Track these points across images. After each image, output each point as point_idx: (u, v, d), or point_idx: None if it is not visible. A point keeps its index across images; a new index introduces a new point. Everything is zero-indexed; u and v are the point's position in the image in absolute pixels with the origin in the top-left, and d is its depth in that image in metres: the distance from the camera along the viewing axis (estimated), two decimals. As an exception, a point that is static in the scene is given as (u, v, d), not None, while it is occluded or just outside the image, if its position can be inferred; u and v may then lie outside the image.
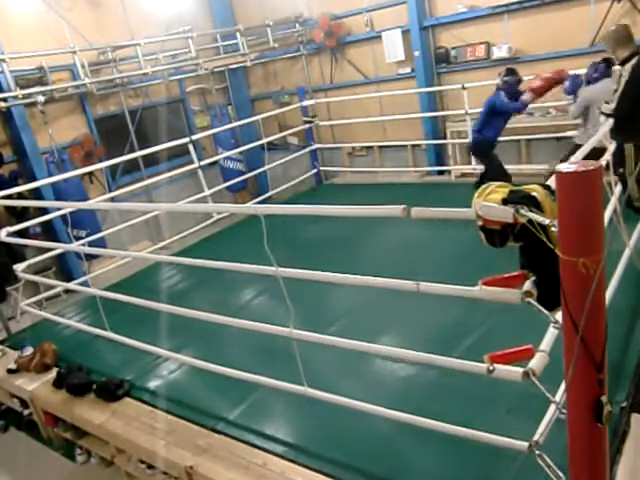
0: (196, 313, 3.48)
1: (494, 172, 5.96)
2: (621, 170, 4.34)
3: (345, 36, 8.77)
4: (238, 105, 9.98)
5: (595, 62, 5.34)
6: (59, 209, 5.73)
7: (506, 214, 1.92)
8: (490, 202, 1.98)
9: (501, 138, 7.12)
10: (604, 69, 5.23)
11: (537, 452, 2.24)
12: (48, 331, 5.09)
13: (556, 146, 6.87)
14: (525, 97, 5.79)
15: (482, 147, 6.20)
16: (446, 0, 7.74)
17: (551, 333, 2.29)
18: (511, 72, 5.91)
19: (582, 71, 5.49)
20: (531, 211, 1.88)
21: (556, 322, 2.03)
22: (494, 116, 6.01)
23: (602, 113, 4.44)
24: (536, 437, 2.27)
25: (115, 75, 7.74)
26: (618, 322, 3.36)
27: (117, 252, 5.51)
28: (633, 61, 4.17)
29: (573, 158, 2.57)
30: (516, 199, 1.93)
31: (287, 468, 2.91)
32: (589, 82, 5.31)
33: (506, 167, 6.31)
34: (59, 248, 5.68)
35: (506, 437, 2.38)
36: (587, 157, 3.68)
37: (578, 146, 5.00)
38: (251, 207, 3.59)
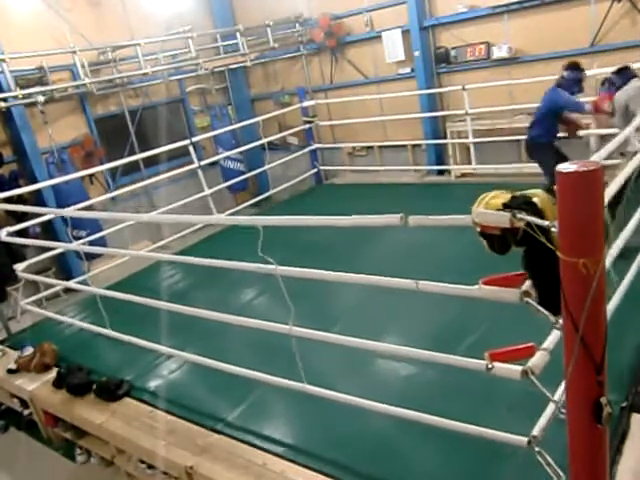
0: (196, 311, 3.49)
1: (547, 176, 5.29)
2: None
3: (345, 36, 8.77)
4: (238, 105, 9.98)
5: (615, 72, 5.07)
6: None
7: (503, 219, 1.92)
8: (490, 208, 1.98)
9: (501, 138, 7.16)
10: (629, 75, 4.99)
11: (537, 449, 2.24)
12: (48, 331, 5.10)
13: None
14: (587, 106, 5.20)
15: (529, 148, 5.65)
16: (446, 0, 7.74)
17: (555, 333, 2.29)
18: (573, 66, 5.28)
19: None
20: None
21: (556, 322, 2.03)
22: (549, 115, 5.40)
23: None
24: (535, 432, 2.26)
25: (115, 75, 7.74)
26: (618, 322, 3.36)
27: (117, 251, 5.51)
28: None
29: None
30: (515, 204, 1.94)
31: (287, 468, 2.91)
32: (618, 88, 4.99)
33: (506, 167, 6.27)
34: (59, 248, 5.68)
35: (505, 433, 2.38)
36: None
37: None
38: (250, 219, 3.59)
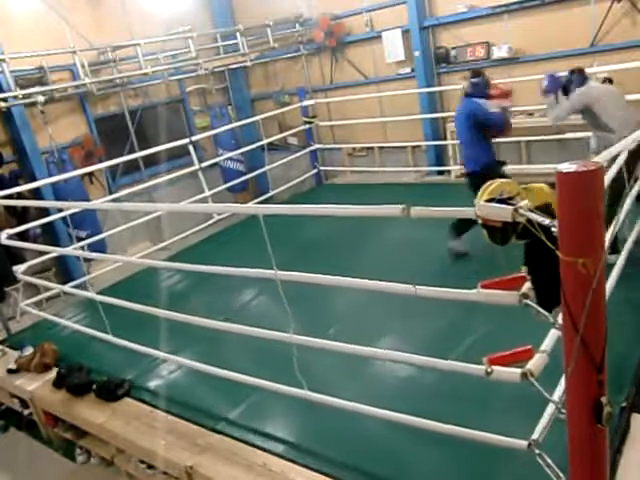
0: (195, 319, 3.47)
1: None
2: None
3: (345, 36, 8.77)
4: (238, 105, 9.98)
5: (571, 72, 4.88)
6: (60, 210, 5.74)
7: (505, 213, 1.92)
8: (491, 195, 2.00)
9: (501, 138, 7.14)
10: (581, 79, 4.81)
11: (537, 451, 2.24)
12: (48, 331, 5.09)
13: (556, 146, 6.87)
14: (496, 109, 4.87)
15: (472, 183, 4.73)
16: (446, 0, 7.74)
17: (551, 334, 2.29)
18: (478, 73, 4.97)
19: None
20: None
21: (555, 323, 2.03)
22: (477, 130, 4.84)
23: None
24: (535, 436, 2.27)
25: (115, 75, 7.73)
26: (618, 322, 3.36)
27: (114, 257, 5.51)
28: None
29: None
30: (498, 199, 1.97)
31: (287, 468, 2.91)
32: (566, 87, 4.78)
33: (506, 167, 6.28)
34: (57, 252, 5.66)
35: (505, 437, 2.38)
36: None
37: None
38: (251, 207, 3.59)
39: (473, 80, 4.83)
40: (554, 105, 4.83)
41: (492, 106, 4.84)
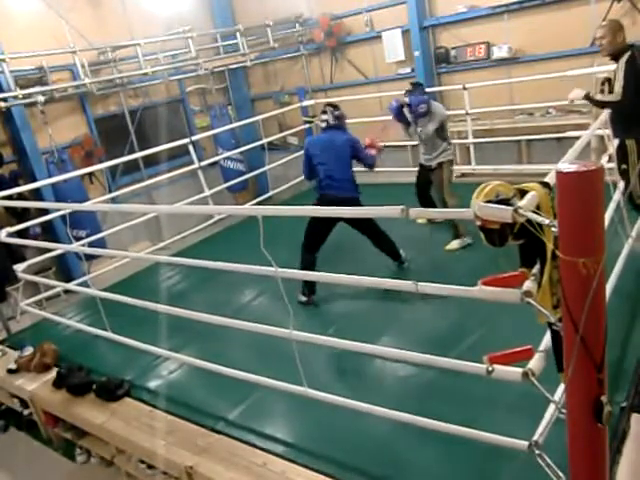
0: (196, 315, 3.48)
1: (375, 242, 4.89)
2: (624, 167, 4.33)
3: (345, 36, 8.77)
4: (238, 105, 9.98)
5: (408, 90, 5.34)
6: (59, 209, 5.74)
7: (504, 214, 1.92)
8: (488, 196, 2.00)
9: (501, 138, 7.16)
10: (423, 90, 5.31)
11: (537, 452, 2.24)
12: (48, 331, 5.09)
13: (556, 146, 6.87)
14: (373, 153, 5.05)
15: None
16: (446, 0, 7.74)
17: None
18: (337, 106, 4.97)
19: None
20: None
21: (555, 322, 2.03)
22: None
23: (598, 103, 4.40)
24: (536, 437, 2.27)
25: (115, 75, 7.73)
26: (618, 322, 3.36)
27: (116, 252, 5.50)
28: (626, 55, 4.18)
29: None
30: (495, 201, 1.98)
31: (287, 468, 2.91)
32: (426, 106, 5.15)
33: (506, 167, 6.27)
34: (58, 249, 5.68)
35: (506, 437, 2.38)
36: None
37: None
38: (250, 208, 3.59)
39: (337, 113, 4.90)
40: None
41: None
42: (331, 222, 4.72)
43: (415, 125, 5.38)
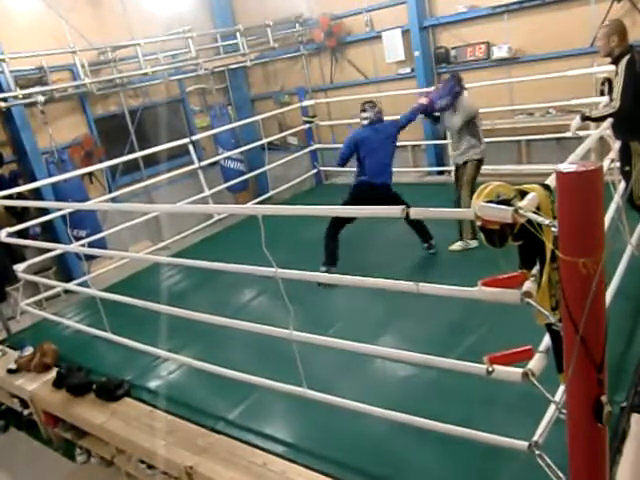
0: (196, 315, 3.48)
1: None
2: (627, 168, 4.32)
3: (345, 36, 8.77)
4: (238, 105, 9.98)
5: (445, 79, 5.41)
6: (59, 209, 5.74)
7: (505, 214, 1.92)
8: (488, 197, 2.00)
9: (501, 138, 7.15)
10: (456, 82, 5.23)
11: (537, 452, 2.24)
12: (48, 331, 5.09)
13: (556, 146, 6.87)
14: (422, 102, 5.44)
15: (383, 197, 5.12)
16: (446, 0, 7.74)
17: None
18: (374, 103, 5.44)
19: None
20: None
21: (555, 323, 2.03)
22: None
23: (596, 120, 4.37)
24: (536, 437, 2.27)
25: (115, 75, 7.73)
26: (618, 322, 3.36)
27: (116, 253, 5.50)
28: (626, 58, 4.13)
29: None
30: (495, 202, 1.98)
31: (287, 468, 2.91)
32: (452, 99, 5.19)
33: (506, 167, 6.28)
34: (58, 249, 5.67)
35: (506, 437, 2.38)
36: None
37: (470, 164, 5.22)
38: (250, 207, 3.59)
39: (377, 109, 5.39)
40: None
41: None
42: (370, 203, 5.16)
43: (442, 119, 5.42)
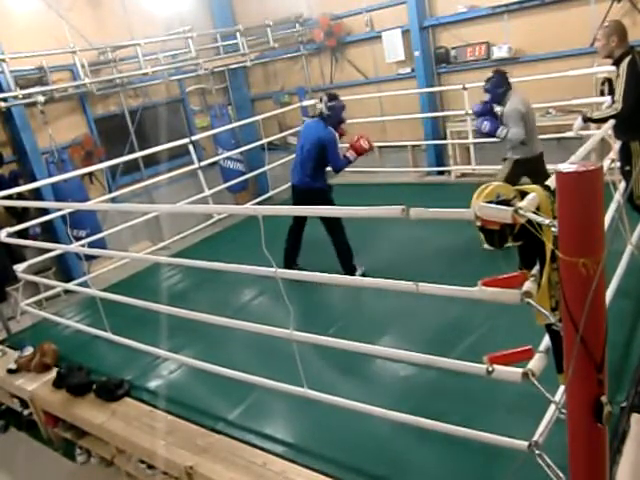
0: (196, 315, 3.48)
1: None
2: (627, 168, 4.32)
3: (345, 36, 8.77)
4: (238, 105, 9.98)
5: (489, 77, 5.09)
6: (59, 209, 5.74)
7: (505, 214, 1.92)
8: (488, 197, 2.00)
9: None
10: (501, 80, 4.98)
11: (537, 452, 2.24)
12: (48, 331, 5.09)
13: (556, 146, 6.86)
14: (349, 155, 4.92)
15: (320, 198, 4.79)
16: (446, 0, 7.74)
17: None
18: (335, 97, 4.96)
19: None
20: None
21: (555, 323, 2.03)
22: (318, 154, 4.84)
23: (598, 121, 4.36)
24: (536, 437, 2.27)
25: (115, 75, 7.73)
26: (618, 322, 3.36)
27: (116, 253, 5.50)
28: (627, 59, 4.12)
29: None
30: (495, 202, 1.98)
31: (287, 468, 2.91)
32: (498, 99, 4.98)
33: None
34: (58, 249, 5.67)
35: (506, 437, 2.38)
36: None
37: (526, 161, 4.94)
38: (250, 208, 3.59)
39: (330, 104, 4.81)
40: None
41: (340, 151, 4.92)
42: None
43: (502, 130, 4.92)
